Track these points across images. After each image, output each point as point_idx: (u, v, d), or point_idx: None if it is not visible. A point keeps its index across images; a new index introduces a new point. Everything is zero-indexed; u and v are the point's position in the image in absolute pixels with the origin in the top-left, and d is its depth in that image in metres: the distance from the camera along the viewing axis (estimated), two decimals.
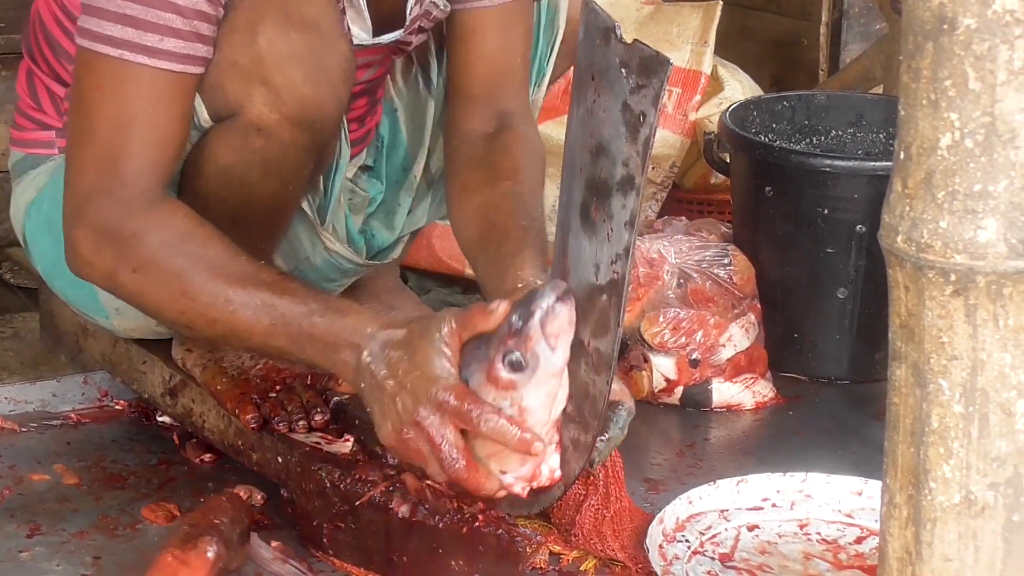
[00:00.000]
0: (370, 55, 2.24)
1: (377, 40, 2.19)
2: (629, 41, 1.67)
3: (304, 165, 2.15)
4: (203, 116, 2.09)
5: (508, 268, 2.04)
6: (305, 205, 2.27)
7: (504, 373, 1.80)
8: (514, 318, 1.80)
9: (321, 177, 2.28)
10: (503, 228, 2.11)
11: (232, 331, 1.97)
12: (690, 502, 2.11)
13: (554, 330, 1.79)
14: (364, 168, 2.47)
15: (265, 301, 1.95)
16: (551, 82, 2.48)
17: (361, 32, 2.17)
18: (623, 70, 1.66)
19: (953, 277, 1.30)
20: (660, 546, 2.01)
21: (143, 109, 1.99)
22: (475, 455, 1.85)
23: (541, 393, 1.81)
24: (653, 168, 3.18)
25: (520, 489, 1.87)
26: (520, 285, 1.99)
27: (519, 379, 1.80)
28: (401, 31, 2.21)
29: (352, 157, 2.37)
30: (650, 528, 2.01)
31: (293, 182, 2.16)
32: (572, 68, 1.98)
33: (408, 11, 2.20)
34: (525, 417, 1.82)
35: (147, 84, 1.98)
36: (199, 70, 2.02)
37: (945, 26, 1.25)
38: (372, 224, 2.46)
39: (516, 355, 1.79)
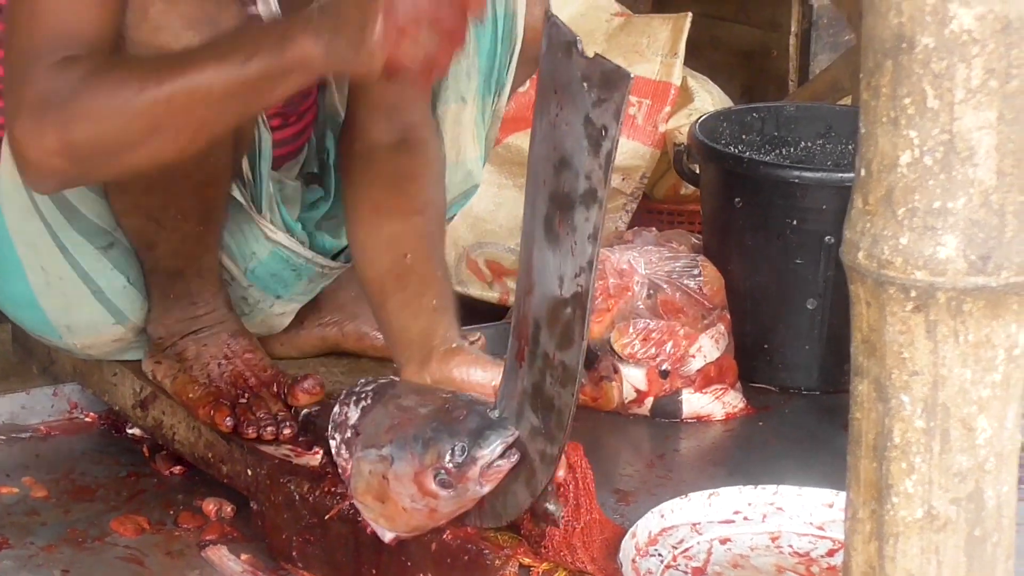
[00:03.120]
0: None
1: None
2: (591, 55, 1.68)
3: (221, 135, 2.14)
4: None
5: (423, 318, 2.06)
6: (238, 194, 2.27)
7: (431, 485, 1.87)
8: (458, 448, 1.86)
9: (246, 164, 2.27)
10: (420, 275, 2.13)
11: (192, 95, 1.93)
12: (662, 515, 2.11)
13: (492, 479, 1.86)
14: (312, 176, 2.47)
15: (202, 51, 1.95)
16: (512, 91, 2.48)
17: (266, 11, 2.17)
18: (585, 84, 1.67)
19: (914, 293, 1.30)
20: (633, 560, 2.02)
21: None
22: None
23: (456, 506, 1.89)
24: (623, 179, 3.18)
25: None
26: (444, 346, 2.03)
27: (442, 495, 1.88)
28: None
29: (285, 158, 2.37)
30: (623, 542, 2.01)
31: (213, 153, 2.14)
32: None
33: None
34: (433, 516, 1.90)
35: None
36: None
37: (904, 45, 1.26)
38: (319, 232, 2.45)
39: (448, 479, 1.87)
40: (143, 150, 1.97)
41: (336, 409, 1.99)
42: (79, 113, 1.93)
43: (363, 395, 1.98)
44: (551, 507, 1.90)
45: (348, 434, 1.96)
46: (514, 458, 1.86)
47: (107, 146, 1.96)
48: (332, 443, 1.98)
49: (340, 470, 1.98)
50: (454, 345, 2.05)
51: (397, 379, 2.05)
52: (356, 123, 2.28)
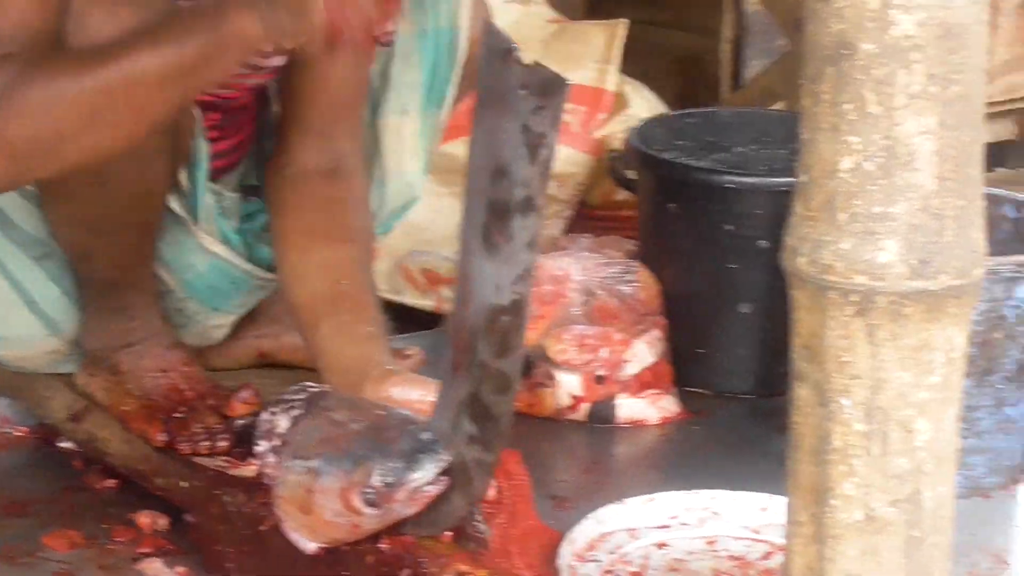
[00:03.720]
0: None
1: None
2: (528, 62, 1.68)
3: (158, 145, 2.13)
4: None
5: (357, 344, 2.07)
6: (175, 205, 2.26)
7: (356, 503, 1.87)
8: (388, 470, 1.85)
9: (184, 175, 2.26)
10: (353, 301, 2.14)
11: (129, 81, 1.92)
12: (599, 521, 2.12)
13: (418, 503, 1.86)
14: (251, 188, 2.46)
15: (136, 36, 1.94)
16: (454, 104, 2.48)
17: None
18: (522, 91, 1.67)
19: (854, 298, 1.31)
20: (571, 566, 2.02)
21: None
22: None
23: (379, 525, 1.89)
24: (559, 186, 3.19)
25: None
26: (378, 369, 2.04)
27: (367, 512, 1.87)
28: None
29: (223, 170, 2.36)
30: (561, 548, 2.02)
31: (150, 164, 2.14)
32: None
33: None
34: (355, 531, 1.89)
35: None
36: None
37: (845, 51, 1.27)
38: (258, 244, 2.44)
39: (375, 499, 1.86)
40: (83, 143, 1.95)
41: (265, 415, 1.98)
42: (15, 110, 1.91)
43: (294, 404, 1.97)
44: (480, 527, 1.90)
45: (276, 442, 1.95)
46: (443, 484, 1.86)
47: (46, 141, 1.94)
48: (258, 449, 1.97)
49: (265, 477, 1.97)
50: (388, 368, 2.04)
51: (330, 389, 2.04)
52: (287, 148, 2.29)
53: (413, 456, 1.86)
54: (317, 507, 1.89)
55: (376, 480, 1.85)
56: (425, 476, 1.85)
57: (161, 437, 2.14)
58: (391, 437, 1.88)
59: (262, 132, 2.46)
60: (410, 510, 1.87)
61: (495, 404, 1.82)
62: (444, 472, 1.86)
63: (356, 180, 2.28)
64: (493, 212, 1.76)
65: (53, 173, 2.06)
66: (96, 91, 1.92)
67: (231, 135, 2.38)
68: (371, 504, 1.86)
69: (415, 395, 2.03)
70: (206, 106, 2.29)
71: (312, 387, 2.01)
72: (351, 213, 2.24)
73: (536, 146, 1.68)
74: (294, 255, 2.19)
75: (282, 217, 2.25)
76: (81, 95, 1.93)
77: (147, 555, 2.12)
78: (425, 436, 1.88)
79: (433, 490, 1.86)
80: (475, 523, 1.90)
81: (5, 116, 1.91)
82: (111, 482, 2.30)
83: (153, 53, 1.92)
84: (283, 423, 1.95)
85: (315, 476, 1.89)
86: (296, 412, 1.96)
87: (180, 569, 2.06)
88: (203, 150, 2.27)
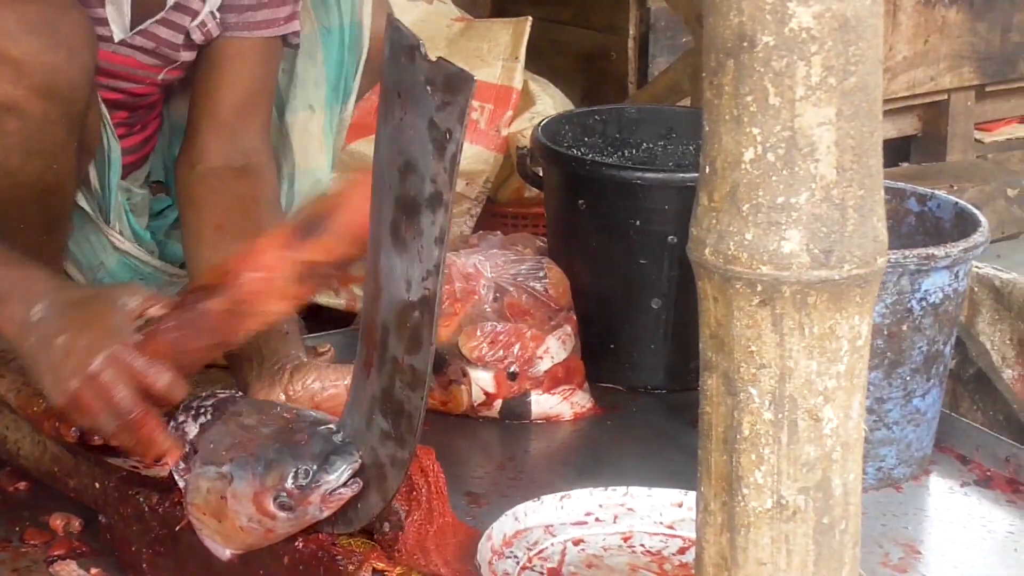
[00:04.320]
0: (131, 62, 2.22)
1: (134, 36, 2.18)
2: (434, 58, 1.68)
3: (65, 141, 2.12)
4: None
5: (271, 339, 2.05)
6: (85, 204, 2.25)
7: (270, 507, 1.86)
8: (301, 472, 1.85)
9: (94, 174, 2.25)
10: None
11: None
12: (516, 518, 2.12)
13: (333, 505, 1.86)
14: (158, 184, 2.45)
15: None
16: (358, 99, 2.49)
17: (118, 31, 2.16)
18: (428, 88, 1.67)
19: (760, 288, 1.32)
20: (490, 562, 2.02)
21: None
22: None
23: (293, 529, 1.88)
24: (467, 183, 3.19)
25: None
26: (293, 362, 2.01)
27: (280, 516, 1.86)
28: (156, 18, 2.20)
29: (132, 166, 2.36)
30: (479, 545, 2.02)
31: (57, 160, 2.13)
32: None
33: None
34: (269, 536, 1.89)
35: None
36: None
37: (745, 43, 1.28)
38: (169, 240, 2.44)
39: (288, 502, 1.85)
40: None
41: (172, 424, 1.97)
42: None
43: (202, 410, 1.96)
44: (393, 507, 1.91)
45: (186, 449, 1.94)
46: (356, 486, 1.86)
47: None
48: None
49: (176, 484, 1.95)
50: (302, 361, 2.04)
51: (238, 394, 2.04)
52: (197, 145, 2.29)
53: (326, 458, 1.86)
54: (231, 513, 1.89)
55: (289, 483, 1.85)
56: (339, 478, 1.85)
57: (73, 433, 2.12)
58: (302, 439, 1.88)
59: (172, 129, 2.46)
60: (324, 513, 1.87)
61: (407, 400, 1.82)
62: (358, 473, 1.86)
63: (266, 177, 2.29)
64: (401, 208, 1.76)
65: None
66: None
67: (138, 131, 2.38)
68: (285, 508, 1.85)
69: (332, 380, 2.04)
70: (115, 104, 2.28)
71: (221, 393, 2.00)
72: (262, 208, 2.24)
73: (443, 142, 1.68)
74: (206, 251, 2.19)
75: (192, 213, 2.24)
76: None
77: (61, 557, 2.11)
78: (337, 438, 1.88)
79: (347, 492, 1.86)
80: (390, 519, 1.91)
81: None
82: (22, 484, 2.28)
83: None
84: (192, 429, 1.94)
85: (227, 482, 1.88)
86: (204, 418, 1.95)
87: (94, 571, 2.05)
88: (115, 149, 2.26)
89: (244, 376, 2.08)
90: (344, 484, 1.85)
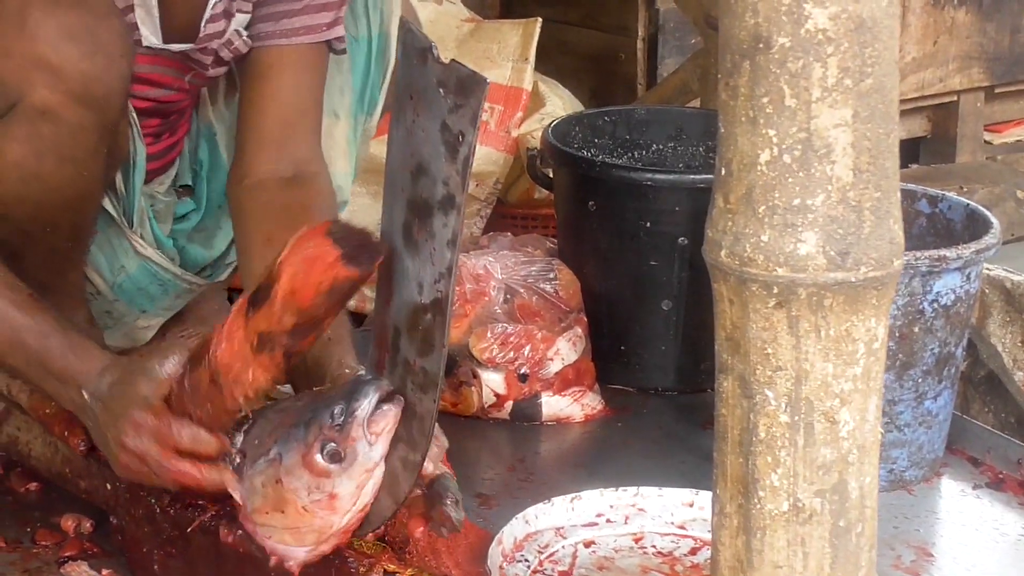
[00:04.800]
0: (160, 65, 2.22)
1: (166, 47, 2.18)
2: (446, 61, 1.68)
3: (96, 148, 2.12)
4: None
5: (317, 348, 1.98)
6: (110, 207, 2.25)
7: (320, 462, 1.83)
8: (336, 410, 1.82)
9: (120, 178, 2.25)
10: None
11: None
12: (526, 521, 2.12)
13: (378, 429, 1.82)
14: (185, 188, 2.45)
15: (7, 314, 1.98)
16: (384, 111, 2.48)
17: (150, 35, 2.16)
18: (441, 90, 1.67)
19: (776, 290, 1.32)
20: (500, 567, 2.02)
21: None
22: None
23: (352, 484, 1.84)
24: (477, 185, 3.19)
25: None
26: (345, 372, 1.99)
27: (334, 469, 1.83)
28: (191, 44, 2.20)
29: (157, 171, 2.35)
30: (490, 549, 2.02)
31: (88, 167, 2.13)
32: None
33: (202, 25, 2.19)
34: (333, 504, 1.84)
35: None
36: None
37: (761, 45, 1.28)
38: (191, 244, 2.43)
39: (335, 447, 1.82)
40: None
41: None
42: None
43: (243, 421, 1.94)
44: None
45: (237, 460, 1.92)
46: (398, 404, 1.82)
47: None
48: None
49: (235, 498, 1.92)
50: (347, 371, 2.00)
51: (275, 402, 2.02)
52: (245, 157, 2.27)
53: (353, 390, 1.83)
54: (289, 494, 1.85)
55: (328, 427, 1.82)
56: (370, 400, 1.81)
57: (82, 446, 2.12)
58: (331, 394, 1.86)
59: (199, 132, 2.46)
60: (375, 449, 1.82)
61: (419, 402, 1.82)
62: (391, 397, 1.82)
63: (317, 186, 2.26)
64: (414, 210, 1.76)
65: None
66: None
67: (166, 137, 2.38)
68: (334, 457, 1.82)
69: None
70: (146, 113, 2.28)
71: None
72: (311, 219, 2.19)
73: (455, 144, 1.68)
74: (256, 264, 2.14)
75: (243, 227, 2.22)
76: None
77: (72, 558, 2.11)
78: (361, 375, 1.86)
79: (388, 410, 1.82)
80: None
81: None
82: (34, 485, 2.28)
83: (10, 347, 1.99)
84: (239, 440, 1.93)
85: (277, 463, 1.86)
86: (247, 425, 1.93)
87: (105, 572, 2.05)
88: (141, 154, 2.26)
89: (296, 385, 2.07)
90: (380, 407, 1.82)
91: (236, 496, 1.89)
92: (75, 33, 2.01)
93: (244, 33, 2.22)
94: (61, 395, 2.00)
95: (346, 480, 1.83)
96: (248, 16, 2.23)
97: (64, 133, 2.05)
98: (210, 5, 2.19)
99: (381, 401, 1.83)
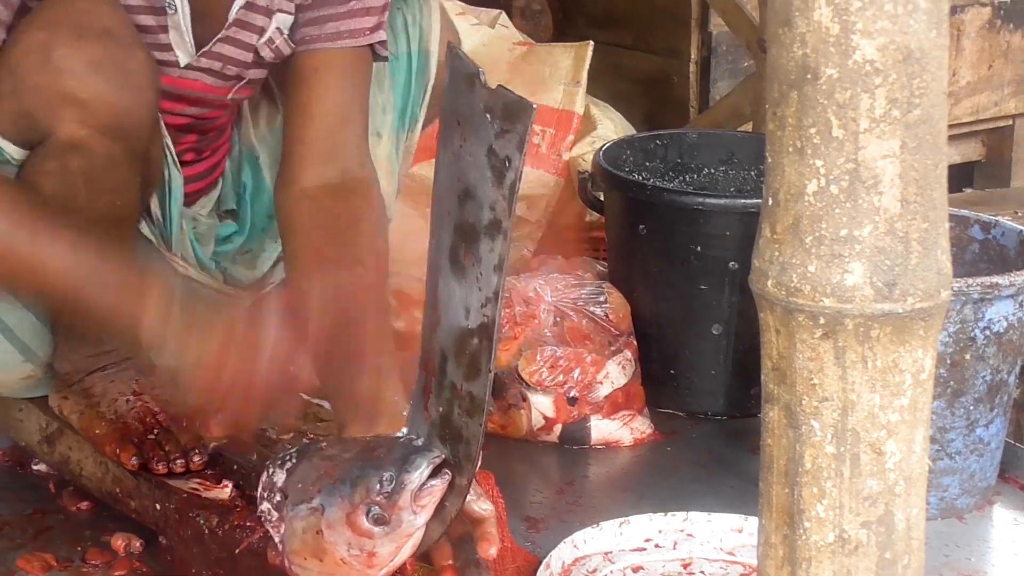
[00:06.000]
0: (197, 88, 2.23)
1: (199, 58, 2.19)
2: (493, 86, 1.69)
3: (128, 178, 2.12)
4: (11, 151, 2.07)
5: (367, 378, 2.02)
6: (147, 232, 2.26)
7: (364, 524, 1.84)
8: (386, 477, 1.83)
9: (156, 203, 2.26)
10: (362, 332, 2.07)
11: (37, 263, 1.97)
12: (575, 545, 2.12)
13: (425, 503, 1.83)
14: (229, 212, 2.46)
15: (71, 236, 1.98)
16: (424, 127, 2.49)
17: (184, 56, 2.17)
18: (488, 115, 1.67)
19: (822, 320, 1.32)
20: None
21: None
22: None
23: (393, 545, 1.85)
24: (528, 207, 3.20)
25: None
26: (401, 414, 1.97)
27: (377, 532, 1.84)
28: (215, 40, 2.21)
29: (199, 193, 2.36)
30: (537, 573, 2.02)
31: (121, 196, 2.13)
32: None
33: (231, 13, 2.20)
34: (372, 561, 1.85)
35: None
36: None
37: (808, 75, 1.28)
38: (234, 266, 2.44)
39: (380, 513, 1.83)
40: None
41: (263, 478, 1.95)
42: None
43: (288, 458, 1.95)
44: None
45: (277, 498, 1.93)
46: (446, 478, 1.83)
47: None
48: (263, 512, 1.94)
49: (274, 538, 1.93)
50: (404, 413, 1.97)
51: (320, 440, 2.02)
52: (291, 165, 2.24)
53: (407, 459, 1.84)
54: (329, 546, 1.86)
55: (376, 492, 1.83)
56: (421, 475, 1.82)
57: (134, 461, 2.14)
58: (382, 454, 1.87)
59: (242, 155, 2.46)
60: (419, 517, 1.83)
61: (466, 426, 1.82)
62: (442, 468, 1.83)
63: (365, 194, 2.23)
64: (461, 235, 1.77)
65: None
66: (7, 245, 1.96)
67: (207, 157, 2.39)
68: (379, 521, 1.83)
69: None
70: (183, 129, 2.29)
71: (305, 441, 2.00)
72: (360, 232, 2.19)
73: (502, 169, 1.68)
74: (304, 282, 2.14)
75: (290, 239, 2.20)
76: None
77: None
78: (417, 443, 1.87)
79: (437, 485, 1.83)
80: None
81: None
82: (85, 504, 2.30)
83: (75, 268, 1.97)
84: (280, 477, 1.93)
85: (320, 514, 1.86)
86: (290, 463, 1.94)
87: None
88: (176, 180, 2.26)
89: (341, 415, 2.05)
90: (430, 479, 1.82)
91: (274, 536, 1.90)
92: (101, 66, 2.02)
93: (285, 32, 2.22)
94: (140, 318, 1.97)
95: (387, 542, 1.84)
96: (291, 17, 2.22)
97: (95, 166, 2.06)
98: None
99: (431, 474, 1.84)
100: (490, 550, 1.88)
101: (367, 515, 1.83)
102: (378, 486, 1.83)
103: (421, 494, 1.83)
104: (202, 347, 1.93)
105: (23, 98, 2.02)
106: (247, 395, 1.93)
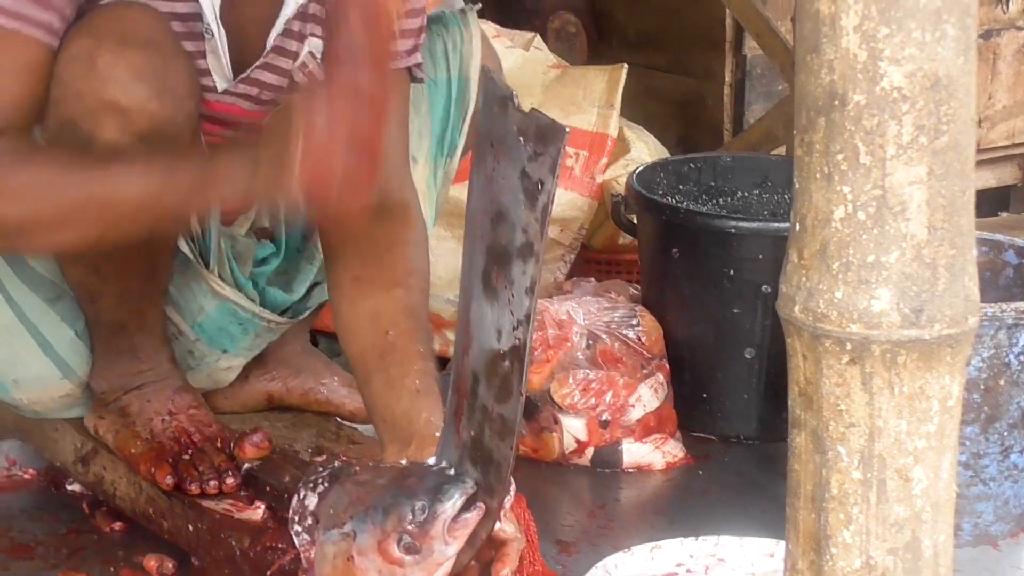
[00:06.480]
0: (235, 113, 2.24)
1: (237, 85, 2.20)
2: (527, 109, 1.69)
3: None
4: None
5: (405, 399, 2.01)
6: (186, 249, 2.26)
7: (396, 552, 1.84)
8: (419, 506, 1.83)
9: (195, 220, 2.27)
10: (403, 354, 2.06)
11: (110, 194, 1.97)
12: (606, 570, 2.12)
13: (457, 535, 1.83)
14: (263, 231, 2.46)
15: (127, 155, 2.00)
16: (464, 153, 2.49)
17: (221, 80, 2.18)
18: (521, 138, 1.68)
19: (849, 346, 1.32)
20: None
21: None
22: None
23: (423, 574, 1.85)
24: (561, 230, 3.20)
25: None
26: (434, 434, 1.97)
27: (408, 561, 1.84)
28: (253, 67, 2.22)
29: (233, 212, 2.37)
30: None
31: None
32: None
33: (269, 41, 2.21)
34: None
35: None
36: (40, 34, 2.02)
37: (836, 102, 1.28)
38: (270, 287, 2.44)
39: (412, 542, 1.83)
40: (57, 235, 2.01)
41: (294, 502, 1.96)
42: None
43: (319, 481, 1.95)
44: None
45: (309, 521, 1.93)
46: (479, 510, 1.83)
47: (21, 223, 1.98)
48: (295, 536, 1.94)
49: (304, 561, 1.93)
50: (438, 433, 1.97)
51: (352, 462, 2.02)
52: None
53: (440, 488, 1.84)
54: (359, 572, 1.86)
55: (408, 521, 1.83)
56: (454, 505, 1.82)
57: (169, 480, 2.15)
58: (415, 483, 1.88)
59: None
60: (451, 547, 1.83)
61: (496, 449, 1.82)
62: (475, 499, 1.84)
63: (405, 217, 2.22)
64: (493, 257, 1.77)
65: (20, 252, 2.12)
66: (79, 193, 1.96)
67: None
68: (410, 550, 1.83)
69: None
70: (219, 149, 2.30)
71: (337, 463, 2.00)
72: (400, 254, 2.18)
73: (535, 192, 1.69)
74: (344, 304, 2.15)
75: (331, 263, 2.20)
76: (65, 193, 1.97)
77: None
78: (450, 471, 1.87)
79: (471, 517, 1.83)
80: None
81: None
82: (118, 524, 2.31)
83: (140, 176, 1.96)
84: (312, 501, 1.94)
85: (351, 540, 1.87)
86: (322, 487, 1.94)
87: None
88: None
89: (381, 436, 2.05)
90: (463, 511, 1.83)
91: (303, 562, 1.91)
92: (143, 75, 2.03)
93: (319, 56, 2.23)
94: (210, 163, 1.98)
95: (418, 571, 1.84)
96: (322, 42, 2.24)
97: None
98: (282, 19, 2.19)
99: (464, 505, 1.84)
100: (503, 571, 1.88)
101: (399, 543, 1.83)
102: (411, 515, 1.83)
103: (455, 525, 1.83)
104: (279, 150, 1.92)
105: (66, 104, 2.03)
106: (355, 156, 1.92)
